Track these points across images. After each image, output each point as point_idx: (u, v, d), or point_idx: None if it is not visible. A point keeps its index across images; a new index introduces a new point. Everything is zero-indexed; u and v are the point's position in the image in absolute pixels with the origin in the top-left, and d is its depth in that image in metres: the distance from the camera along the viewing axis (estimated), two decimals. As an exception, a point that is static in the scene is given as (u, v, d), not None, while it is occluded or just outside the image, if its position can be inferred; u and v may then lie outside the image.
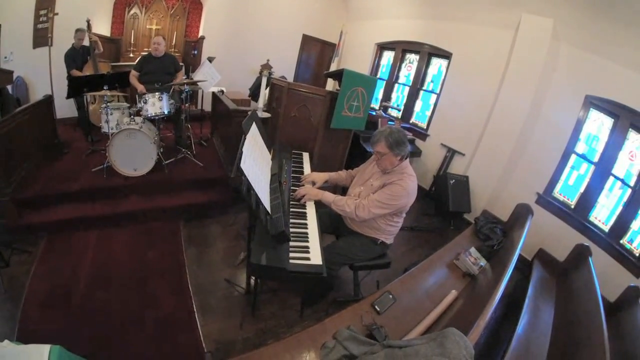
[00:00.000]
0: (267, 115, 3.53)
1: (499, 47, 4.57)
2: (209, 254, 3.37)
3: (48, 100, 4.71)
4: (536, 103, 4.25)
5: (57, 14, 5.14)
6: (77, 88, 4.32)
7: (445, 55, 5.46)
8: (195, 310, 2.68)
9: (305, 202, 2.49)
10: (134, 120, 3.81)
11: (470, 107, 4.94)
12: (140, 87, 4.14)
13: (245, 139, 2.05)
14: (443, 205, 4.67)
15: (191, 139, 4.80)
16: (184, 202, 3.93)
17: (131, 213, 3.71)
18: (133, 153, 3.81)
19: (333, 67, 7.58)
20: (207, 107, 5.92)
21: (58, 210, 3.58)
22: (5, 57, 5.64)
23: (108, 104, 3.99)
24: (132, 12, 6.97)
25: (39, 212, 3.54)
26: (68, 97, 4.35)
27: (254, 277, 2.75)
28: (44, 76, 5.12)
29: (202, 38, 6.84)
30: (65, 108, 5.54)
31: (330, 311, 2.81)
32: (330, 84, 7.46)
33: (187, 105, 4.47)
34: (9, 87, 4.69)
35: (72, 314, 2.53)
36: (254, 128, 2.34)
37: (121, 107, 4.23)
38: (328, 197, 2.48)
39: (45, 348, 1.46)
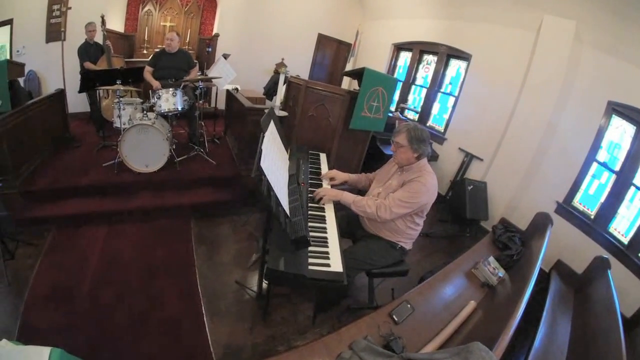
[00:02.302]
0: (284, 113, 3.44)
1: (520, 49, 4.43)
2: (220, 254, 3.28)
3: (60, 94, 4.71)
4: (558, 108, 4.11)
5: (70, 8, 5.14)
6: (89, 82, 4.29)
7: (464, 56, 5.34)
8: (204, 312, 2.59)
9: (324, 204, 2.39)
10: (147, 116, 3.76)
11: (490, 110, 4.81)
12: (156, 84, 4.08)
13: (263, 136, 1.96)
14: (460, 212, 4.54)
15: (204, 137, 4.75)
16: (195, 200, 3.87)
17: (141, 210, 3.66)
18: (145, 149, 3.77)
19: (348, 67, 7.50)
20: (221, 105, 5.89)
21: (67, 204, 3.54)
22: (18, 51, 5.68)
23: (121, 99, 3.95)
24: (146, 8, 6.98)
25: (47, 206, 3.52)
26: (80, 91, 4.32)
27: (266, 282, 2.66)
28: (57, 71, 5.12)
29: (217, 36, 6.81)
30: (77, 103, 5.54)
31: (344, 319, 2.73)
32: (345, 85, 7.40)
33: (201, 102, 4.42)
34: (21, 81, 4.69)
35: (76, 311, 2.47)
36: (272, 126, 2.25)
37: (134, 102, 4.20)
38: (348, 197, 2.39)
39: (46, 350, 1.37)
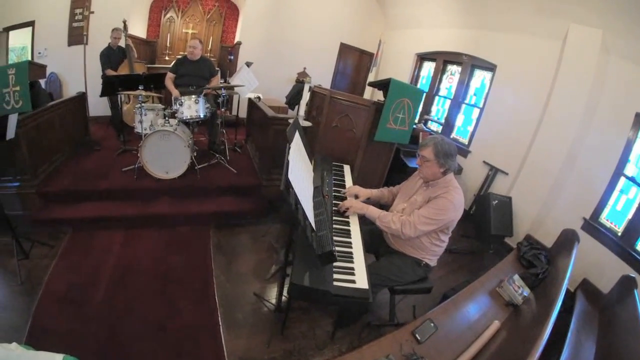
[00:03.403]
0: (308, 124, 3.40)
1: (546, 59, 4.30)
2: (239, 264, 3.23)
3: (81, 97, 4.79)
4: (585, 120, 3.95)
5: (92, 12, 5.23)
6: (111, 87, 4.36)
7: (489, 67, 5.21)
8: (220, 323, 2.54)
9: (349, 216, 2.34)
10: (169, 122, 3.76)
11: (516, 123, 4.67)
12: (175, 93, 4.11)
13: (289, 148, 1.91)
14: (484, 228, 4.38)
15: (225, 145, 4.74)
16: (215, 208, 3.84)
17: (160, 216, 3.65)
18: (166, 155, 3.77)
19: (371, 77, 7.46)
20: (242, 113, 5.89)
21: (84, 207, 3.57)
22: (40, 53, 5.85)
23: (142, 104, 3.97)
24: (168, 15, 7.12)
25: (65, 207, 3.55)
26: (102, 95, 4.39)
27: (288, 296, 2.60)
28: (78, 74, 5.22)
29: (239, 44, 6.85)
30: (99, 106, 5.65)
31: (364, 335, 2.64)
32: (368, 95, 7.35)
33: (223, 110, 4.41)
34: (42, 82, 4.76)
35: (89, 315, 2.45)
36: (297, 137, 2.20)
37: (155, 108, 4.21)
38: (373, 211, 2.32)
39: (58, 357, 1.32)
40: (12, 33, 5.86)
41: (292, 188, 1.61)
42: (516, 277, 2.52)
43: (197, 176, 3.99)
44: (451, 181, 2.25)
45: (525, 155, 4.46)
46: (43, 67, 4.22)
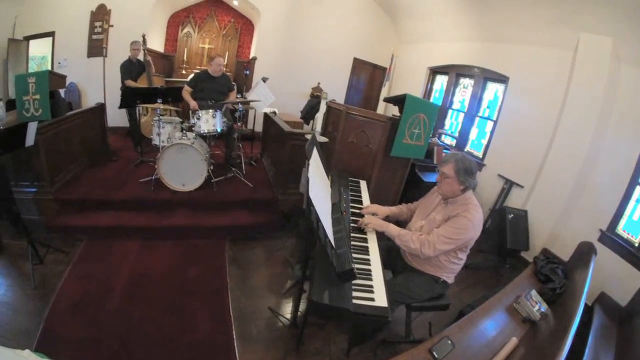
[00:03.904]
0: (324, 139, 3.42)
1: (558, 70, 4.28)
2: (254, 278, 3.23)
3: (100, 108, 4.90)
4: (599, 129, 3.91)
5: (112, 26, 5.38)
6: (130, 99, 4.45)
7: (502, 79, 5.21)
8: (234, 336, 2.53)
9: (366, 232, 2.34)
10: (186, 136, 3.81)
11: (530, 134, 4.63)
12: (193, 104, 4.16)
13: (308, 164, 1.93)
14: (500, 242, 4.33)
15: (242, 159, 4.79)
16: (230, 222, 3.86)
17: (175, 228, 3.68)
18: (183, 168, 3.81)
19: (384, 92, 7.48)
20: (258, 127, 5.96)
21: (101, 216, 3.63)
22: (59, 63, 6.04)
23: (161, 117, 4.05)
24: (185, 30, 7.30)
25: (81, 215, 3.62)
26: (121, 107, 4.48)
27: (302, 312, 2.59)
28: (97, 85, 5.35)
29: (254, 59, 6.98)
30: (117, 117, 5.76)
31: (379, 352, 2.61)
32: (381, 109, 7.37)
33: (239, 124, 4.48)
34: (62, 92, 4.89)
35: (102, 324, 2.47)
36: (315, 153, 2.22)
37: (173, 121, 4.29)
38: (393, 229, 2.31)
39: None
40: (32, 42, 6.08)
41: (313, 206, 1.62)
42: (533, 292, 2.48)
43: (213, 189, 4.02)
44: (471, 199, 2.23)
45: (540, 167, 4.41)
46: (63, 78, 4.33)
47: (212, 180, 4.01)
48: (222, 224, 3.80)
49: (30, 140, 2.85)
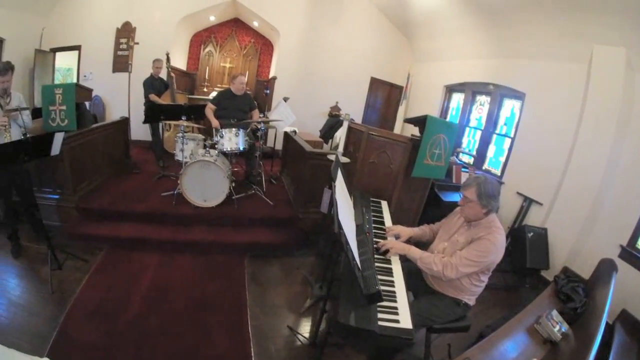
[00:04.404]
0: (346, 160, 3.45)
1: (573, 83, 4.27)
2: (273, 296, 3.23)
3: (124, 122, 5.06)
4: (617, 141, 3.86)
5: (137, 43, 5.60)
6: (154, 115, 4.58)
7: (518, 95, 5.20)
8: (252, 354, 2.51)
9: (390, 256, 2.33)
10: (209, 153, 3.90)
11: (548, 150, 4.58)
12: (216, 123, 4.26)
13: (334, 186, 1.97)
14: (519, 261, 4.26)
15: (262, 176, 4.84)
16: (250, 239, 3.89)
17: (196, 243, 3.73)
18: (205, 184, 3.89)
19: (401, 110, 7.54)
20: (278, 145, 6.05)
21: (122, 227, 3.69)
22: (85, 76, 6.34)
23: (184, 133, 4.16)
24: (207, 49, 7.55)
25: (102, 225, 3.69)
26: (145, 122, 4.60)
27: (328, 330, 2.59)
28: (122, 99, 5.51)
29: (274, 78, 7.15)
30: (139, 131, 5.92)
31: (398, 373, 2.54)
32: (398, 129, 7.42)
33: (261, 142, 4.56)
34: (87, 104, 5.04)
35: (118, 334, 2.48)
36: (339, 175, 2.26)
37: (196, 138, 4.40)
38: (415, 252, 2.31)
39: None
40: (58, 54, 6.41)
41: (343, 229, 1.65)
42: (554, 312, 2.47)
43: (234, 206, 4.05)
44: (493, 221, 2.23)
45: (560, 184, 4.35)
46: (89, 91, 4.49)
47: (233, 197, 4.05)
48: (242, 241, 3.83)
49: (56, 149, 2.93)
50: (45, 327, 2.44)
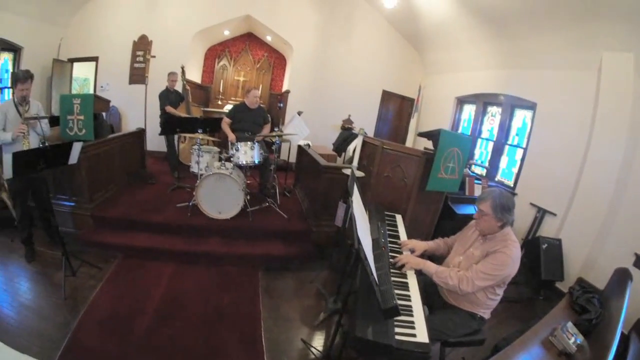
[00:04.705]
0: (361, 174, 3.47)
1: (584, 92, 4.25)
2: (286, 308, 3.23)
3: (140, 133, 5.17)
4: (629, 148, 3.82)
5: (154, 56, 5.73)
6: (171, 127, 4.67)
7: (529, 106, 5.18)
8: (266, 367, 2.49)
9: (406, 271, 2.35)
10: (224, 166, 3.96)
11: (561, 160, 4.54)
12: (232, 137, 4.32)
13: (352, 201, 2.00)
14: (534, 273, 4.20)
15: (276, 189, 4.87)
16: (264, 251, 3.89)
17: (210, 254, 3.75)
18: (220, 197, 3.94)
19: (412, 123, 7.56)
20: (292, 158, 6.10)
21: (137, 236, 3.74)
22: (102, 87, 6.53)
23: (200, 146, 4.23)
24: (221, 63, 7.71)
25: (117, 234, 3.74)
26: (161, 134, 4.69)
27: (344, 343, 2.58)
28: (137, 110, 5.68)
29: (288, 92, 7.24)
30: (154, 142, 6.08)
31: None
32: (410, 141, 7.44)
33: (275, 155, 4.62)
34: (104, 114, 5.16)
35: (130, 343, 2.49)
36: (356, 190, 2.29)
37: (212, 150, 4.48)
38: (430, 267, 2.32)
39: None
40: (76, 64, 6.61)
41: (362, 244, 1.68)
42: (569, 324, 2.45)
43: (249, 219, 4.09)
44: (509, 234, 2.24)
45: (573, 193, 4.29)
46: (107, 102, 4.59)
47: (248, 210, 4.09)
48: (256, 253, 3.84)
49: (74, 158, 3.00)
50: (57, 332, 2.46)
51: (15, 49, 5.67)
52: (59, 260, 3.03)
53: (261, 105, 4.79)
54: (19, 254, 3.35)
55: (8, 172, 2.61)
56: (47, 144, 3.06)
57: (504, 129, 5.69)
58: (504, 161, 5.74)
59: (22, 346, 2.24)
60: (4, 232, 3.66)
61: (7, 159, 2.59)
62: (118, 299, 2.92)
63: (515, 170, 5.42)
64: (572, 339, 2.35)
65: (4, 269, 3.22)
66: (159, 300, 2.97)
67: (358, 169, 3.57)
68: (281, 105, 6.96)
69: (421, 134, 3.52)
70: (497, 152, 5.81)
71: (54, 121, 3.76)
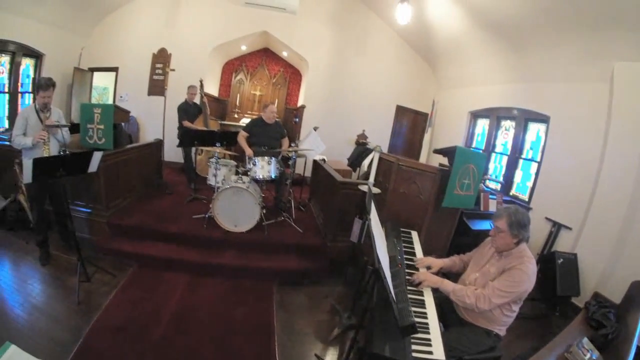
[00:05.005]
0: (377, 191, 3.49)
1: (596, 103, 4.22)
2: (300, 323, 3.23)
3: (158, 144, 5.30)
4: None
5: (173, 70, 5.91)
6: (188, 140, 4.77)
7: (543, 119, 5.15)
8: (280, 381, 2.48)
9: (422, 289, 2.36)
10: (242, 179, 4.01)
11: (575, 173, 4.49)
12: (249, 151, 4.40)
13: (369, 219, 2.03)
14: (549, 289, 4.12)
15: (292, 203, 4.89)
16: (279, 265, 3.90)
17: (225, 267, 3.77)
18: (236, 210, 3.98)
19: (426, 138, 7.58)
20: (307, 172, 6.15)
21: (152, 245, 3.78)
22: (121, 97, 6.74)
23: (218, 159, 4.31)
24: (238, 77, 7.89)
25: (133, 242, 3.78)
26: (179, 146, 4.80)
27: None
28: (156, 121, 5.80)
29: (303, 107, 7.35)
30: (171, 153, 6.19)
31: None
32: (423, 157, 7.45)
33: (291, 170, 4.67)
34: (123, 124, 5.29)
35: (143, 351, 2.49)
36: (373, 208, 2.33)
37: (229, 164, 4.57)
38: (447, 285, 2.34)
39: None
40: (96, 74, 6.86)
41: (381, 262, 1.71)
42: (585, 340, 2.46)
43: (264, 232, 4.12)
44: (524, 251, 2.25)
45: (588, 206, 4.23)
46: (127, 113, 4.73)
47: (264, 223, 4.13)
48: (271, 267, 3.86)
49: (93, 167, 3.09)
50: (68, 336, 2.49)
51: (37, 56, 5.87)
52: (74, 265, 3.08)
53: (277, 119, 4.88)
54: (33, 257, 3.42)
55: (27, 177, 2.67)
56: (67, 152, 3.14)
57: (518, 143, 5.66)
58: (518, 175, 5.69)
59: (31, 346, 2.28)
60: (20, 234, 3.76)
61: (28, 163, 2.66)
62: (132, 307, 2.95)
63: (529, 184, 5.36)
64: (588, 355, 2.35)
65: (17, 270, 3.28)
66: (172, 311, 2.99)
67: (374, 185, 3.59)
68: (297, 120, 7.07)
69: (437, 151, 3.55)
70: (511, 167, 5.76)
71: (73, 128, 3.86)
